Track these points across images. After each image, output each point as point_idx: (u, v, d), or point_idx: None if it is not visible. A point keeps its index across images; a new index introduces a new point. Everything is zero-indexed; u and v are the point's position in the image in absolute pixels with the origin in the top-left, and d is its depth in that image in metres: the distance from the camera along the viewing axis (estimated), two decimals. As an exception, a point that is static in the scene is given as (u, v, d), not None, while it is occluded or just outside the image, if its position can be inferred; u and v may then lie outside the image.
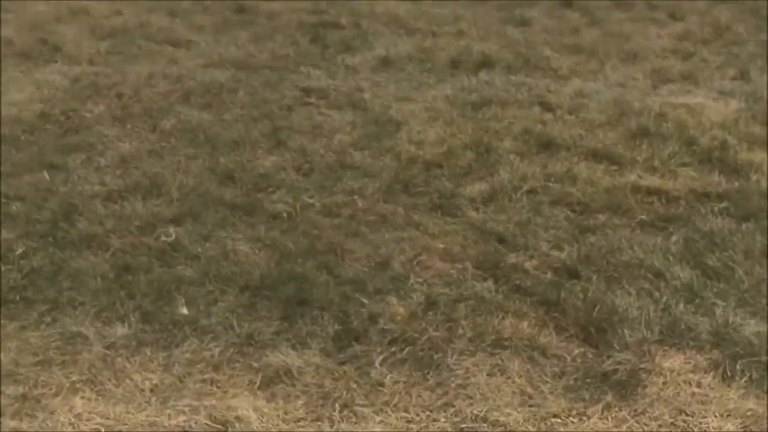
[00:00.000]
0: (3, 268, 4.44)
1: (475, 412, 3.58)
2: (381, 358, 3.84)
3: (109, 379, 3.71)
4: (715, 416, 3.56)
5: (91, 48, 7.32)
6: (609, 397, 3.63)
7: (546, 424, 3.53)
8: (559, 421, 3.55)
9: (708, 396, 3.66)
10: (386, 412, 3.58)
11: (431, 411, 3.60)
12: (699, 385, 3.72)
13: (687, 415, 3.57)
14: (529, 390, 3.69)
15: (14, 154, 5.64)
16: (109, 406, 3.58)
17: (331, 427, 3.51)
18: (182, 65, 7.05)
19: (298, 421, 3.54)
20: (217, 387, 3.69)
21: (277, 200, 5.15)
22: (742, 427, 3.52)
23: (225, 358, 3.83)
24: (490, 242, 4.73)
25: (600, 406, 3.59)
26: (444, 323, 4.06)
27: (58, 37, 7.46)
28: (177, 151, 5.73)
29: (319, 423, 3.53)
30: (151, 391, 3.67)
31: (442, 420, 3.55)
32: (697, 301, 4.20)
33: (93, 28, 7.69)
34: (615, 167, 5.51)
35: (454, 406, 3.61)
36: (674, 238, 4.77)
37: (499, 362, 3.84)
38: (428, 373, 3.78)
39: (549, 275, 4.44)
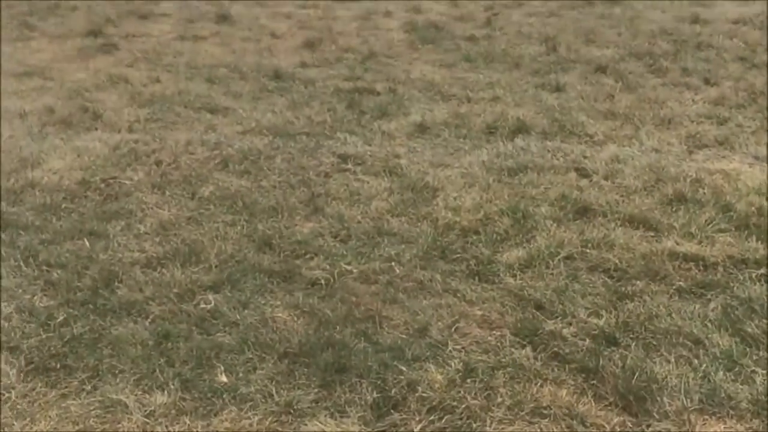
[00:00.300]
0: (44, 336, 4.48)
1: (514, 481, 3.58)
2: (419, 426, 3.83)
3: (149, 448, 3.73)
4: (757, 487, 3.53)
5: (131, 115, 7.41)
6: (649, 467, 3.61)
7: (586, 494, 3.51)
8: (600, 491, 3.53)
9: (749, 466, 3.63)
10: (425, 481, 3.58)
11: (471, 480, 3.60)
12: (740, 454, 3.69)
13: (728, 485, 3.56)
14: (569, 459, 3.68)
15: (55, 222, 5.70)
16: (149, 475, 3.60)
17: (371, 496, 3.51)
18: (220, 132, 7.12)
19: (338, 490, 3.55)
20: (257, 456, 3.70)
21: (314, 267, 5.17)
22: (784, 498, 3.49)
23: (264, 426, 3.83)
24: (527, 309, 4.73)
25: (641, 476, 3.57)
26: (482, 391, 4.04)
27: (99, 105, 7.56)
28: (215, 217, 5.78)
29: (358, 492, 3.54)
30: (191, 459, 3.69)
31: (482, 489, 3.55)
32: (736, 368, 4.17)
33: (132, 96, 7.79)
34: (652, 233, 5.51)
35: (493, 475, 3.61)
36: (712, 305, 4.75)
37: (538, 431, 3.83)
38: (467, 441, 3.78)
39: (587, 342, 4.42)
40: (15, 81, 8.10)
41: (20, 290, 4.92)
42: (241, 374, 4.16)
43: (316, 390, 4.05)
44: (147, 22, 9.74)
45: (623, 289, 4.90)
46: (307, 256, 5.30)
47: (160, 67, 8.48)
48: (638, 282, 4.97)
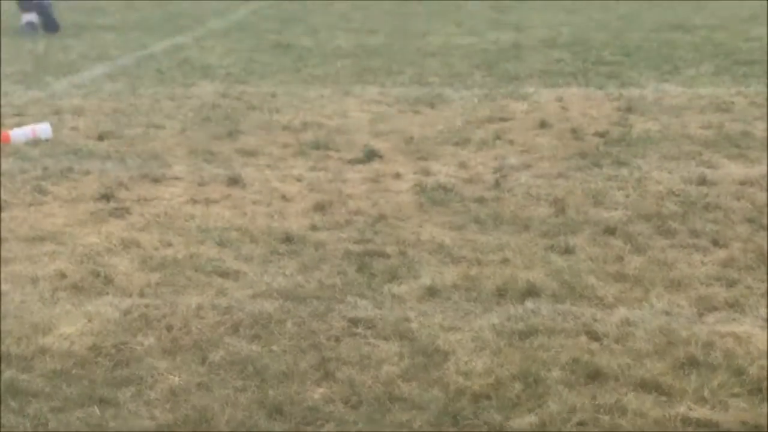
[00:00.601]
0: None
1: None
2: None
3: None
4: None
5: (142, 280, 7.49)
6: None
7: None
8: None
9: None
10: None
11: None
12: None
13: None
14: None
15: (65, 388, 5.74)
16: None
17: None
18: (231, 296, 7.19)
19: None
20: None
21: (326, 433, 5.21)
22: None
23: None
24: (541, 477, 4.75)
25: None
26: None
27: (110, 269, 7.65)
28: (226, 383, 5.82)
29: None
30: None
31: None
32: None
33: (144, 260, 7.89)
34: (664, 398, 5.53)
35: None
36: (728, 472, 4.77)
37: None
38: None
39: None
40: (27, 246, 8.22)
41: (30, 460, 4.95)
42: None
43: None
44: (159, 185, 9.91)
45: (637, 455, 4.92)
46: (319, 422, 5.33)
47: (171, 230, 8.60)
48: (652, 449, 4.99)
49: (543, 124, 12.23)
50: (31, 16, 19.05)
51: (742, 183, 9.70)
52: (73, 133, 11.76)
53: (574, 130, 11.91)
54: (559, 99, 13.65)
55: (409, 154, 11.12)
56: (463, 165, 10.58)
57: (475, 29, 19.80)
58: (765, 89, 13.82)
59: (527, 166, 10.52)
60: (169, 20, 20.19)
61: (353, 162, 10.78)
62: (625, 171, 10.23)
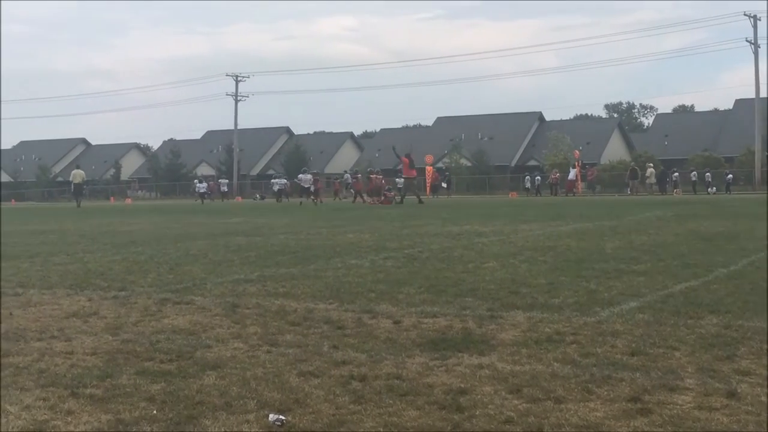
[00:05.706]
0: None
1: None
2: None
3: None
4: None
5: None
6: None
7: None
8: None
9: None
10: None
11: None
12: None
13: None
14: None
15: None
16: None
17: None
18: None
19: None
20: None
21: None
22: None
23: None
24: None
25: None
26: None
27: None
28: None
29: None
30: None
31: None
32: None
33: (660, 449, 7.78)
34: None
35: None
36: None
37: None
38: None
39: None
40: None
41: None
42: None
43: None
44: (674, 393, 9.75)
45: None
46: None
47: (681, 430, 8.39)
48: None
49: None
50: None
51: None
52: (612, 349, 11.91)
53: None
54: None
55: None
56: None
57: None
58: None
59: None
60: (686, 268, 20.03)
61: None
62: None
